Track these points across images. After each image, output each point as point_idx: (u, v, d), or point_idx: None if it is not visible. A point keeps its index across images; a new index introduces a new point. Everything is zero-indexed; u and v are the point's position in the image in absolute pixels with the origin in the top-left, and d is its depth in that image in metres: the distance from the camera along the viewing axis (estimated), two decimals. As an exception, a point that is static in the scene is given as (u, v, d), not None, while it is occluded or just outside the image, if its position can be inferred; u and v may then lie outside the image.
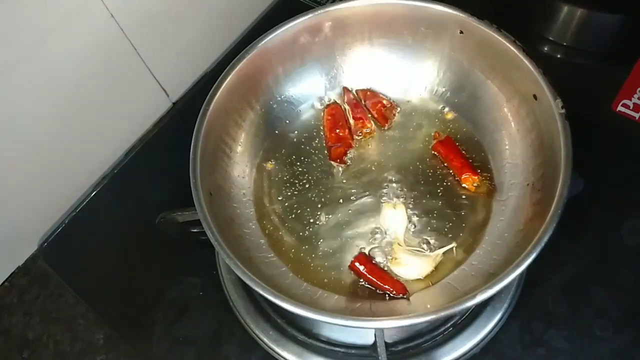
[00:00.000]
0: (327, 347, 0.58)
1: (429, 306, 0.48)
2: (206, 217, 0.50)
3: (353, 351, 0.58)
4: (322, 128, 0.67)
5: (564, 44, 0.77)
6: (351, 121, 0.66)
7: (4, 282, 0.66)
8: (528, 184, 0.55)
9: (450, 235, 0.58)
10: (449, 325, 0.58)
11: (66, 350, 0.63)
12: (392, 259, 0.56)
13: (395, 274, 0.55)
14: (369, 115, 0.67)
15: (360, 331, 0.57)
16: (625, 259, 0.61)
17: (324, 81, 0.68)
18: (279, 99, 0.66)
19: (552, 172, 0.49)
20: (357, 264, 0.56)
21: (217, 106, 0.57)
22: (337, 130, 0.65)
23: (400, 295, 0.53)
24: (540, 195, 0.50)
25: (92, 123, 0.66)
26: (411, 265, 0.54)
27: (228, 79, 0.58)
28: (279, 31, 0.60)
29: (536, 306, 0.59)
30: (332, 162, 0.64)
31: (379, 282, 0.54)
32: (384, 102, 0.67)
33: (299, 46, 0.63)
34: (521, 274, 0.58)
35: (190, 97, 0.78)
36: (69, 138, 0.64)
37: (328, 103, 0.68)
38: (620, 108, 0.71)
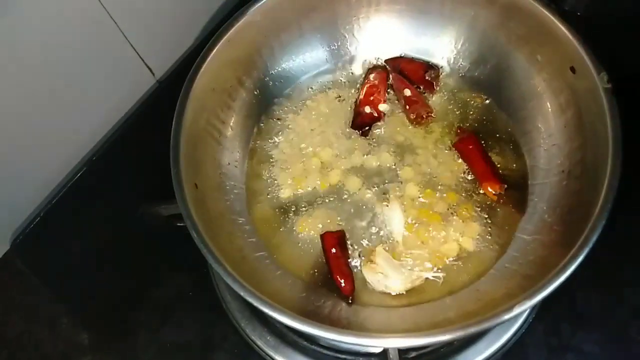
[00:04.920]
0: (332, 354, 0.54)
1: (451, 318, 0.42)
2: (190, 214, 0.45)
3: (361, 359, 0.53)
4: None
5: (579, 13, 0.71)
6: (406, 106, 0.60)
7: (-20, 279, 0.62)
8: (563, 171, 0.49)
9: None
10: (468, 329, 0.53)
11: (48, 351, 0.59)
12: (367, 262, 0.52)
13: (366, 278, 0.51)
14: (415, 87, 0.61)
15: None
16: (663, 253, 0.57)
17: (325, 53, 0.63)
18: (274, 73, 0.62)
19: (594, 157, 0.44)
20: (326, 239, 0.53)
21: (202, 85, 0.53)
22: (372, 97, 0.60)
23: (344, 294, 0.50)
24: (580, 184, 0.45)
25: (68, 106, 0.62)
26: (387, 277, 0.50)
27: (213, 53, 0.53)
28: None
29: (563, 306, 0.55)
30: (353, 130, 0.60)
31: (332, 269, 0.51)
32: (424, 65, 0.62)
33: (295, 13, 0.58)
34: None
35: (176, 74, 0.74)
36: (46, 122, 0.60)
37: (373, 65, 0.63)
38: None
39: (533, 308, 0.54)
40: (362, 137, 0.59)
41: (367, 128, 0.59)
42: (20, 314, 0.61)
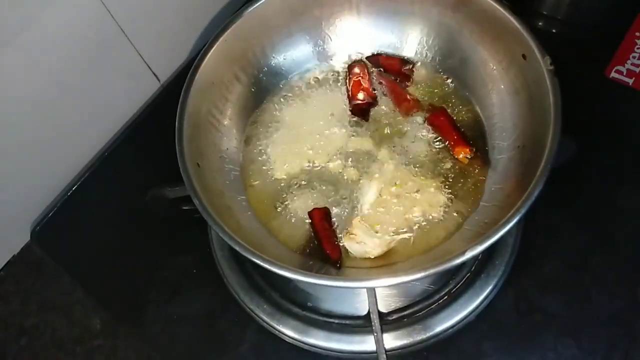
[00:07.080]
0: (322, 318, 0.58)
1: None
2: (193, 185, 0.49)
3: (347, 322, 0.57)
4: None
5: (559, 17, 0.76)
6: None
7: (-1, 270, 0.65)
8: (519, 146, 0.54)
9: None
10: (443, 293, 0.57)
11: (63, 336, 0.62)
12: (347, 233, 0.55)
13: (346, 248, 0.55)
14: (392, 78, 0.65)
15: (353, 301, 0.58)
16: (620, 223, 0.61)
17: (312, 51, 0.67)
18: (267, 70, 0.65)
19: (543, 131, 0.48)
20: (314, 215, 0.57)
21: (202, 79, 0.57)
22: (361, 86, 0.64)
23: (332, 260, 0.54)
24: (531, 154, 0.50)
25: (80, 106, 0.65)
26: (365, 244, 0.54)
27: (212, 49, 0.57)
28: (262, 1, 0.59)
29: (531, 273, 0.59)
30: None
31: (321, 240, 0.55)
32: (400, 60, 0.66)
33: (285, 16, 0.62)
34: (515, 241, 0.59)
35: (179, 78, 0.74)
36: (58, 122, 0.63)
37: (353, 60, 0.67)
38: (613, 74, 0.70)
39: (503, 274, 0.58)
40: (344, 124, 0.63)
41: (367, 113, 0.63)
42: (37, 301, 0.65)
